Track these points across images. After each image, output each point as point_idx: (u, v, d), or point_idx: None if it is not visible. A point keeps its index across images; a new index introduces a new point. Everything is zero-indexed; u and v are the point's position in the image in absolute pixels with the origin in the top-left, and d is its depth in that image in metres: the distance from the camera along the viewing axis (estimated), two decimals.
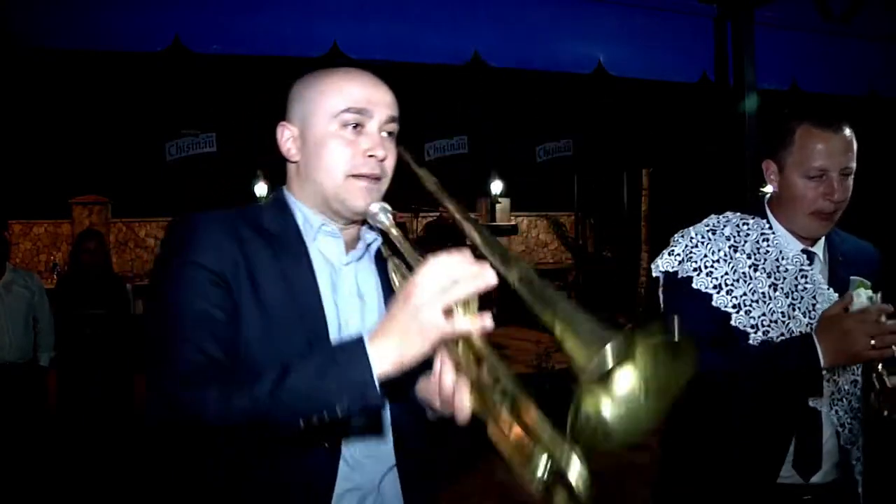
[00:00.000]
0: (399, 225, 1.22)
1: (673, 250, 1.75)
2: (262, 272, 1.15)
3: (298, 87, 1.26)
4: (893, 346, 1.41)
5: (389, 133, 1.23)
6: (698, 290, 1.66)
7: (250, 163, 10.23)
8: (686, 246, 1.72)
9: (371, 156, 1.18)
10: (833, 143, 1.60)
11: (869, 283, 1.57)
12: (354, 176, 1.18)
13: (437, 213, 8.45)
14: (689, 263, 1.70)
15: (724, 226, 1.73)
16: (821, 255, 1.71)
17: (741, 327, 1.63)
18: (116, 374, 4.62)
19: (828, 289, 1.66)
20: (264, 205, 1.28)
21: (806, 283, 1.67)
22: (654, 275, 1.80)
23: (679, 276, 1.70)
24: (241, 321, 1.12)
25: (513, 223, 10.82)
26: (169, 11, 3.07)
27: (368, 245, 1.29)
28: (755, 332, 1.62)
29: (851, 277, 1.59)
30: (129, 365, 4.94)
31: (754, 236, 1.71)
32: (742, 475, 1.62)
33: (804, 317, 1.63)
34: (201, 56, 3.18)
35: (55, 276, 8.70)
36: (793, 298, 1.65)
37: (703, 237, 1.72)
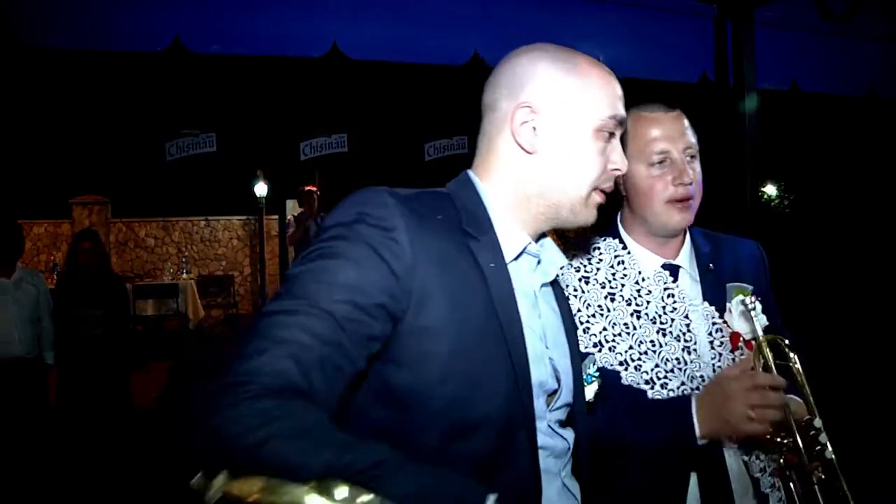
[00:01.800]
0: None
1: None
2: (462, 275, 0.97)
3: (548, 67, 1.05)
4: (769, 424, 1.23)
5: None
6: None
7: (250, 163, 10.25)
8: None
9: (616, 169, 1.09)
10: (667, 124, 1.44)
11: (749, 288, 1.43)
12: (598, 191, 1.08)
13: None
14: None
15: (574, 255, 1.51)
16: (687, 267, 1.49)
17: (608, 366, 1.42)
18: (115, 374, 4.63)
19: (702, 303, 1.45)
20: (452, 194, 1.07)
21: (674, 302, 1.45)
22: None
23: None
24: (428, 333, 0.92)
25: None
26: (169, 11, 3.07)
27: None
28: (624, 369, 1.42)
29: (728, 285, 1.43)
30: (127, 364, 4.95)
31: (607, 260, 1.51)
32: None
33: (678, 341, 1.42)
34: (201, 56, 3.18)
35: (55, 276, 8.71)
36: (661, 323, 1.44)
37: (576, 288, 1.49)
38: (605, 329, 1.44)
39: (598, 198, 1.08)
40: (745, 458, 1.40)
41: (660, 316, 1.45)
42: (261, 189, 10.43)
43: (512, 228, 1.05)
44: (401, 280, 0.90)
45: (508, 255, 1.03)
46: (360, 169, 10.30)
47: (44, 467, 4.12)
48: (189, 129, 9.74)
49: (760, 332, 1.36)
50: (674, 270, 1.48)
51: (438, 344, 0.92)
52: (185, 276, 9.86)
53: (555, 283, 1.17)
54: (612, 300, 1.46)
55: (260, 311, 0.90)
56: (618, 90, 1.09)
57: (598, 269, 1.49)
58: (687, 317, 1.44)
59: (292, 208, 8.32)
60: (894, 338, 4.51)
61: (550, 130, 1.03)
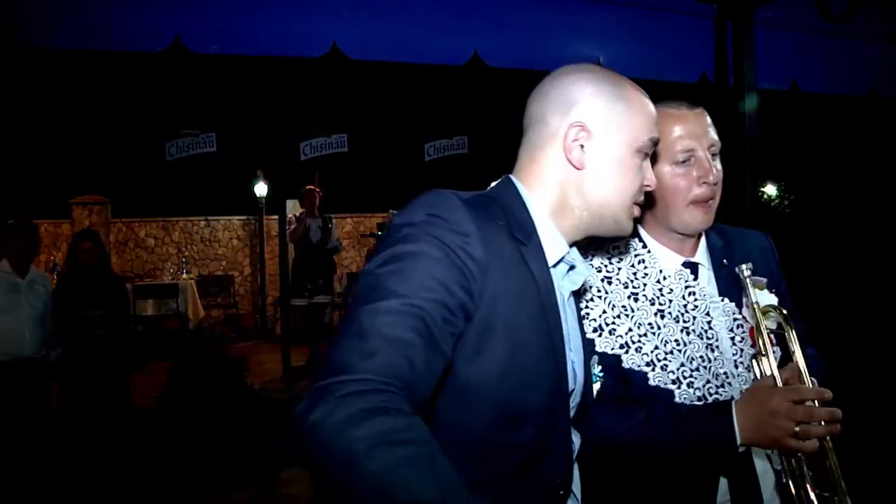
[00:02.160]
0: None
1: None
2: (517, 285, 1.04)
3: (601, 91, 1.14)
4: (816, 440, 1.20)
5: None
6: None
7: (250, 163, 10.24)
8: None
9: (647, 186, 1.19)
10: (692, 121, 1.43)
11: (764, 282, 1.43)
12: (637, 204, 1.18)
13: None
14: None
15: (593, 257, 1.50)
16: (706, 264, 1.50)
17: (635, 367, 1.41)
18: (114, 374, 4.63)
19: (721, 300, 1.45)
20: (501, 203, 1.13)
21: (695, 300, 1.46)
22: None
23: None
24: (495, 331, 0.99)
25: None
26: (169, 11, 3.07)
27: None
28: (651, 370, 1.41)
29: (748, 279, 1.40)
30: (128, 364, 4.96)
31: (628, 260, 1.50)
32: None
33: (701, 339, 1.42)
34: (201, 56, 3.18)
35: (55, 276, 8.70)
36: (684, 321, 1.44)
37: (600, 289, 1.48)
38: (630, 330, 1.43)
39: (635, 211, 1.18)
40: (774, 465, 1.39)
41: (682, 314, 1.45)
42: (261, 189, 10.43)
43: (552, 235, 1.14)
44: (477, 281, 0.97)
45: (550, 261, 1.12)
46: (360, 169, 10.30)
47: (45, 467, 4.13)
48: (189, 129, 9.73)
49: (755, 299, 1.37)
50: (694, 268, 1.48)
51: (503, 342, 1.00)
52: (185, 276, 9.86)
53: (576, 290, 1.24)
54: (636, 300, 1.45)
55: (350, 311, 0.93)
56: (654, 113, 1.18)
57: (619, 269, 1.49)
58: (708, 314, 1.44)
59: (293, 208, 8.32)
60: (894, 338, 4.50)
61: (599, 149, 1.13)
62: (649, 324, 1.43)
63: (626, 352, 1.42)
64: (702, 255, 1.51)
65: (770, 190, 10.65)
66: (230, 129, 9.91)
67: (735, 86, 4.00)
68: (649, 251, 1.50)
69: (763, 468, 1.39)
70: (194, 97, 9.41)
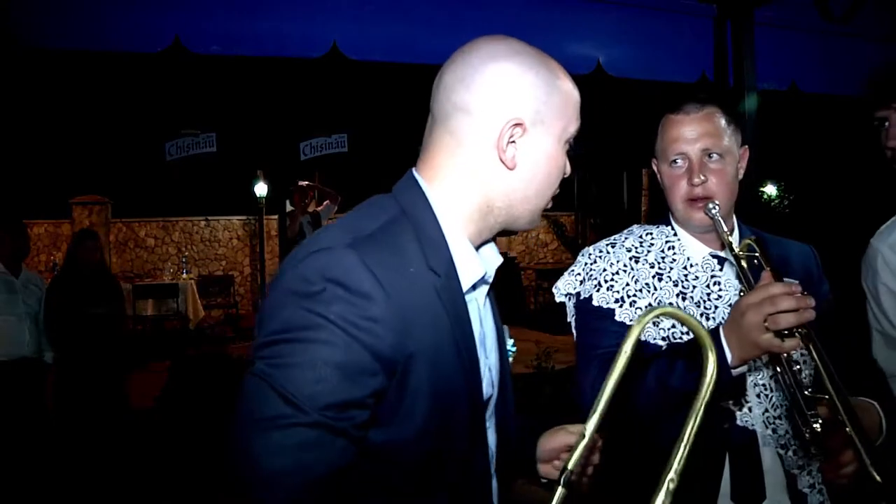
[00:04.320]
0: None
1: (573, 270, 1.60)
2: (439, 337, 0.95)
3: (537, 82, 1.02)
4: (790, 333, 1.18)
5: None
6: (599, 307, 1.50)
7: (250, 163, 10.25)
8: (585, 264, 1.59)
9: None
10: (687, 126, 1.51)
11: (795, 282, 1.39)
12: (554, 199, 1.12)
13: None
14: (589, 282, 1.55)
15: (626, 238, 1.60)
16: (733, 259, 1.50)
17: (651, 341, 1.47)
18: (111, 374, 4.63)
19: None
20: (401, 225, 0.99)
21: (719, 290, 1.51)
22: (557, 299, 1.63)
23: (581, 296, 1.56)
24: (410, 394, 0.92)
25: None
26: (169, 12, 3.06)
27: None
28: (666, 345, 1.46)
29: None
30: (124, 364, 4.96)
31: (658, 244, 1.58)
32: None
33: None
34: (201, 57, 3.18)
35: (54, 276, 8.70)
36: (705, 308, 1.50)
37: (601, 252, 1.59)
38: (650, 305, 1.50)
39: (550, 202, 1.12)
40: (782, 451, 1.42)
41: (704, 301, 1.51)
42: (261, 189, 10.43)
43: (468, 254, 1.02)
44: (384, 358, 0.88)
45: (465, 286, 1.01)
46: (360, 169, 10.30)
47: (44, 467, 4.13)
48: (189, 129, 9.73)
49: (733, 241, 1.44)
50: (721, 261, 1.55)
51: (419, 400, 0.93)
52: (185, 276, 9.86)
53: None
54: (660, 279, 1.53)
55: (239, 419, 0.86)
56: (579, 99, 1.08)
57: (648, 251, 1.57)
58: (730, 305, 1.46)
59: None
60: None
61: (533, 148, 1.02)
62: (669, 303, 1.50)
63: None
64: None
65: (770, 190, 10.65)
66: (230, 129, 9.90)
67: (735, 86, 3.99)
68: (679, 239, 1.58)
69: (771, 461, 1.41)
70: (194, 97, 9.40)
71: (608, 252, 1.58)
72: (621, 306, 1.50)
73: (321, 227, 2.13)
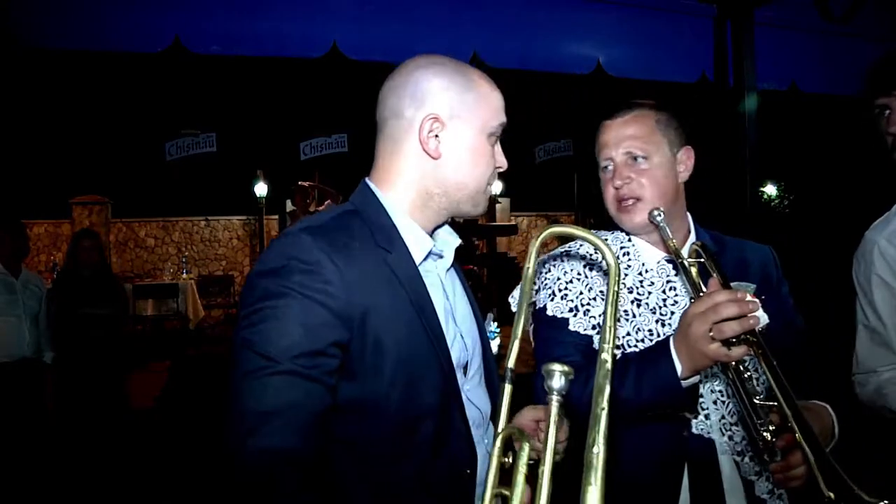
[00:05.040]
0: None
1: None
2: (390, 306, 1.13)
3: (450, 82, 1.21)
4: (738, 341, 1.18)
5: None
6: (554, 317, 1.48)
7: (250, 163, 10.24)
8: (540, 273, 1.57)
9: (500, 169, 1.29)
10: (612, 131, 1.52)
11: (748, 286, 1.38)
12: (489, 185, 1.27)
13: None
14: (544, 290, 1.53)
15: (581, 245, 1.56)
16: (679, 266, 1.46)
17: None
18: (111, 374, 4.63)
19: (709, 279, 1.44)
20: (359, 214, 1.20)
21: (675, 295, 1.48)
22: (513, 309, 1.56)
23: (537, 305, 1.54)
24: (373, 347, 1.09)
25: (513, 223, 10.82)
26: (169, 12, 3.07)
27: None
28: (622, 353, 1.44)
29: (731, 284, 1.37)
30: (124, 365, 4.95)
31: (613, 251, 1.56)
32: None
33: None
34: (201, 57, 3.18)
35: (56, 276, 8.70)
36: (661, 314, 1.47)
37: (555, 260, 1.56)
38: (605, 313, 1.43)
39: (492, 190, 1.28)
40: (738, 458, 1.40)
41: (660, 307, 1.48)
42: (261, 189, 10.43)
43: (416, 232, 1.21)
44: (340, 313, 1.06)
45: (418, 259, 1.19)
46: (360, 169, 10.27)
47: (43, 467, 4.13)
48: (189, 129, 9.74)
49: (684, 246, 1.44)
50: (675, 264, 1.50)
51: (382, 354, 1.09)
52: (185, 276, 9.86)
53: (453, 263, 1.33)
54: None
55: (231, 375, 1.04)
56: (502, 100, 1.26)
57: (603, 259, 1.49)
58: None
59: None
60: None
61: (453, 138, 1.20)
62: (624, 311, 1.48)
63: (598, 333, 1.45)
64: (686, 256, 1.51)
65: (770, 190, 10.65)
66: (230, 129, 9.91)
67: (735, 86, 3.99)
68: (633, 245, 1.56)
69: (728, 469, 1.39)
70: (194, 97, 9.42)
71: (562, 261, 1.55)
72: (575, 315, 1.48)
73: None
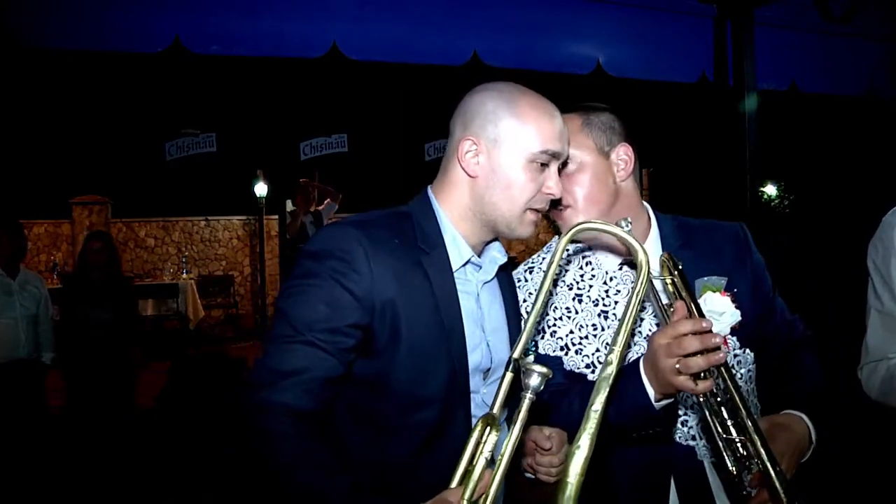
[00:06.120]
0: None
1: None
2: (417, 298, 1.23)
3: (494, 107, 1.28)
4: (704, 375, 1.17)
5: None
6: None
7: (250, 163, 10.24)
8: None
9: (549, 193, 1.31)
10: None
11: (719, 282, 1.34)
12: (532, 210, 1.30)
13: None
14: None
15: (544, 258, 1.53)
16: (656, 265, 1.37)
17: (577, 370, 1.40)
18: (120, 375, 4.63)
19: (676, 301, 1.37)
20: (414, 213, 1.32)
21: (617, 284, 1.46)
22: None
23: None
24: (390, 333, 1.21)
25: None
26: (169, 12, 3.07)
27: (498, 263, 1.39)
28: (592, 374, 1.40)
29: (696, 281, 1.33)
30: (133, 365, 4.95)
31: (576, 262, 1.50)
32: None
33: (647, 342, 1.33)
34: (201, 57, 3.18)
35: (56, 276, 8.70)
36: (603, 306, 1.44)
37: (520, 278, 1.52)
38: (571, 332, 1.45)
39: (532, 216, 1.30)
40: (716, 460, 1.38)
41: (602, 299, 1.46)
42: (261, 189, 10.43)
43: (457, 241, 1.30)
44: (364, 299, 1.19)
45: (455, 265, 1.29)
46: (360, 169, 10.30)
47: (44, 468, 4.13)
48: (189, 129, 9.73)
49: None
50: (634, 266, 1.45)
51: (397, 341, 1.20)
52: (185, 276, 9.87)
53: (502, 276, 1.42)
54: (580, 301, 1.46)
55: (268, 335, 1.22)
56: (555, 127, 1.28)
57: (566, 271, 1.50)
58: (655, 316, 1.42)
59: (292, 207, 8.39)
60: None
61: (488, 161, 1.27)
62: (592, 325, 1.44)
63: (567, 354, 1.42)
64: (652, 255, 1.41)
65: (770, 190, 10.65)
66: (230, 129, 9.90)
67: (734, 86, 3.99)
68: (594, 252, 1.51)
69: (710, 473, 1.38)
70: (194, 97, 9.40)
71: (526, 279, 1.52)
72: (542, 338, 1.45)
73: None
